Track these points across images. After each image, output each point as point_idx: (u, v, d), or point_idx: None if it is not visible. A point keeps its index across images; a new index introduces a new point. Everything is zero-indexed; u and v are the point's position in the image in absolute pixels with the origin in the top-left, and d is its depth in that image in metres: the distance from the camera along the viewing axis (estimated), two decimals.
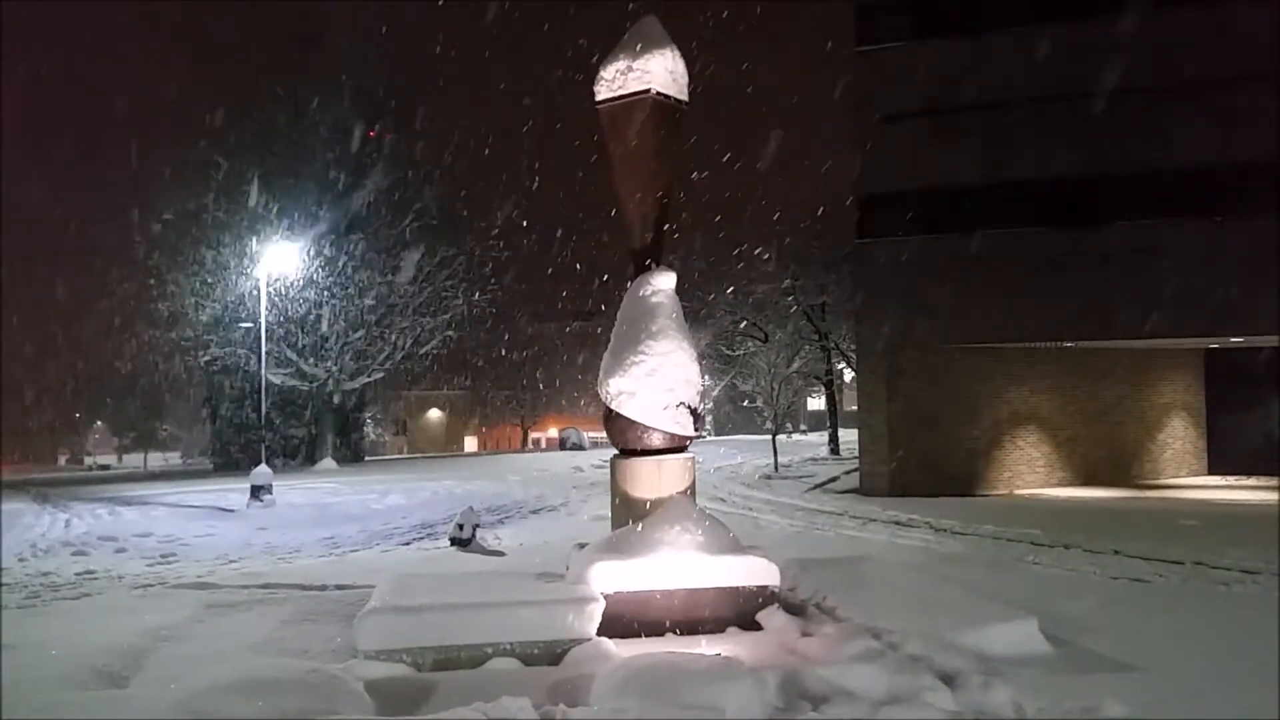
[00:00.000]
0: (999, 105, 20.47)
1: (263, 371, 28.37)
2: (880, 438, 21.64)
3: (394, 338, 39.05)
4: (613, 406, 8.70)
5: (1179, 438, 25.25)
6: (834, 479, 25.31)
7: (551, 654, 7.17)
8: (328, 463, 36.77)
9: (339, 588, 10.87)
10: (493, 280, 41.43)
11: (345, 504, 22.13)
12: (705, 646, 7.17)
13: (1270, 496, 19.35)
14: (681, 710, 5.49)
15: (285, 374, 36.79)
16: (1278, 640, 7.32)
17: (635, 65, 8.87)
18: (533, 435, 69.67)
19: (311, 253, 35.06)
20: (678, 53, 9.08)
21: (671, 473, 8.70)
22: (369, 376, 39.26)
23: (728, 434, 53.52)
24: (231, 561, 14.10)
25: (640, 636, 7.66)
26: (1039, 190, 20.43)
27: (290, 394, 37.99)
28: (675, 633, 7.85)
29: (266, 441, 29.13)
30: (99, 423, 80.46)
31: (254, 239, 33.54)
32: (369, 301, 37.61)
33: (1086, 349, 22.50)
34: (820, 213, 35.02)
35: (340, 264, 36.58)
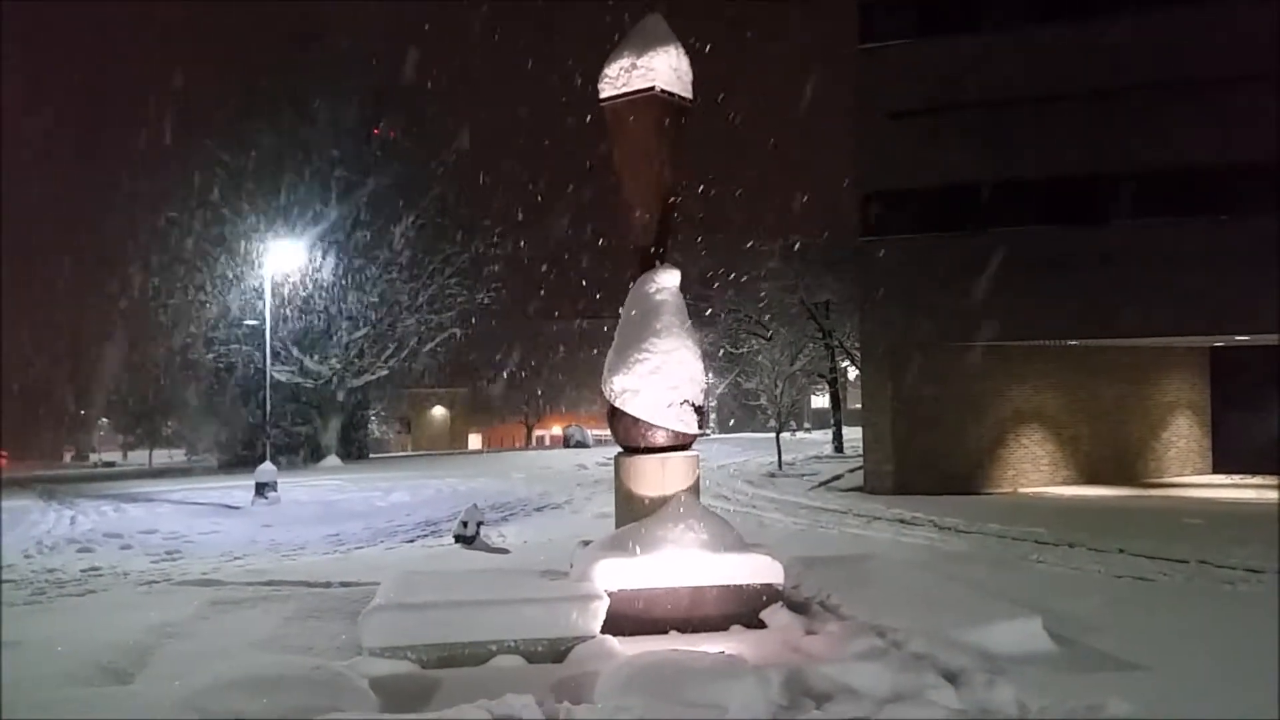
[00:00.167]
0: (1001, 104, 20.45)
1: (267, 369, 28.40)
2: (884, 436, 21.64)
3: (398, 335, 39.11)
4: (617, 404, 8.71)
5: (1183, 436, 25.21)
6: (838, 477, 25.29)
7: (556, 651, 7.19)
8: (332, 460, 36.81)
9: (343, 585, 10.89)
10: (497, 278, 41.46)
11: (350, 501, 22.16)
12: (709, 644, 7.18)
13: (1275, 495, 19.30)
14: (685, 708, 5.50)
15: (290, 371, 36.85)
16: (1279, 638, 7.32)
17: (640, 63, 8.87)
18: (537, 433, 69.66)
19: (316, 251, 35.10)
20: (682, 50, 9.08)
21: (675, 470, 8.70)
22: (373, 374, 39.28)
23: (731, 432, 53.50)
24: (236, 558, 14.14)
25: (644, 634, 7.67)
26: (1041, 189, 20.41)
27: (295, 391, 38.04)
28: (679, 631, 7.86)
29: (271, 439, 29.19)
30: (104, 419, 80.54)
31: (258, 237, 33.59)
32: (373, 299, 37.65)
33: (1090, 347, 22.48)
34: (823, 211, 35.01)
35: (345, 262, 36.63)
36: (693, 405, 8.75)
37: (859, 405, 26.79)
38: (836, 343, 36.12)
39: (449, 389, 67.48)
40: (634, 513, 8.61)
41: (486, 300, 41.38)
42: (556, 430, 64.87)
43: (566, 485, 24.56)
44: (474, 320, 42.00)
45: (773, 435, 30.83)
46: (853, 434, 34.00)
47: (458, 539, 14.33)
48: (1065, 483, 22.62)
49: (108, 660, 7.35)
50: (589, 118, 9.81)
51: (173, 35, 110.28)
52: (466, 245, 39.30)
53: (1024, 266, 20.08)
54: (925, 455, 21.10)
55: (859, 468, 24.03)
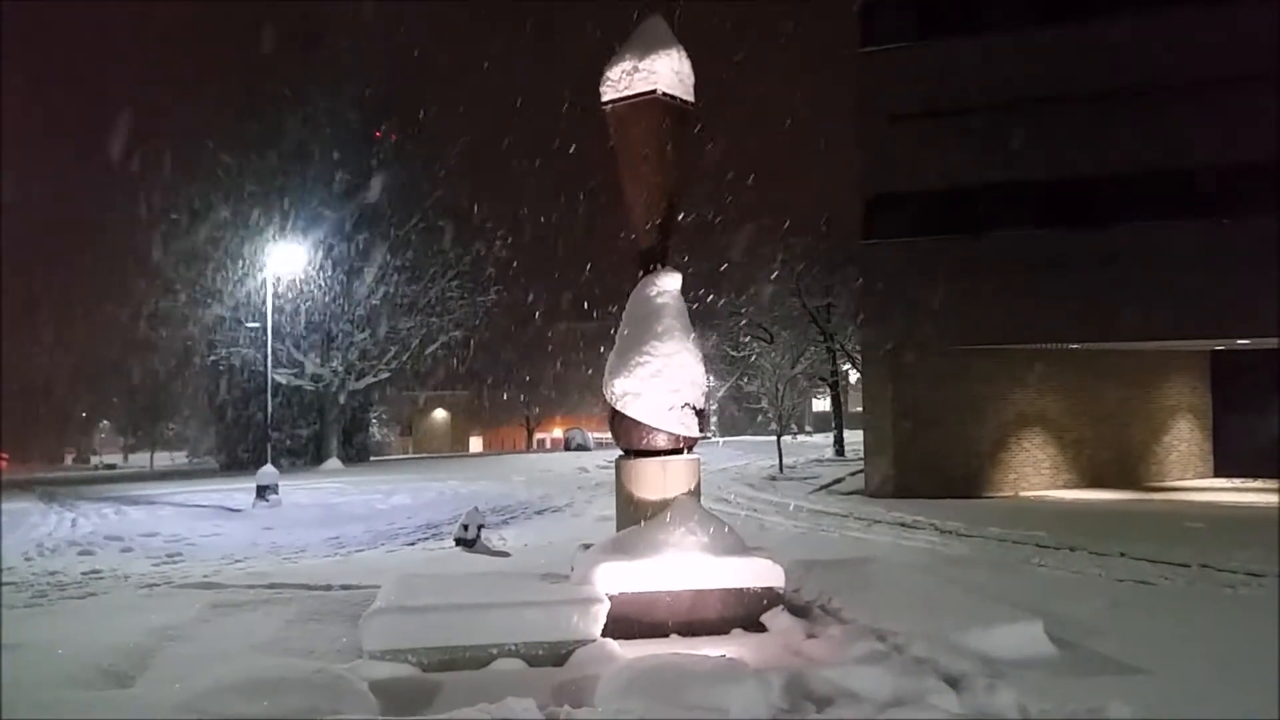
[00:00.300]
0: (1002, 106, 20.47)
1: (269, 371, 28.42)
2: (885, 439, 21.63)
3: (399, 338, 39.13)
4: (618, 407, 8.70)
5: (1185, 440, 25.20)
6: (839, 480, 25.29)
7: (556, 655, 7.18)
8: (333, 463, 36.84)
9: (344, 588, 10.88)
10: (498, 280, 41.50)
11: (351, 504, 22.17)
12: (710, 648, 7.17)
13: (1276, 499, 19.28)
14: (686, 711, 5.50)
15: (291, 374, 36.88)
16: (1278, 642, 7.30)
17: (641, 66, 8.87)
18: (538, 436, 69.69)
19: (318, 253, 35.12)
20: (684, 53, 9.08)
21: (676, 474, 8.70)
22: (375, 377, 39.33)
23: (733, 435, 53.52)
24: (237, 561, 14.14)
25: (645, 638, 7.66)
26: (1042, 191, 20.43)
27: (296, 394, 38.08)
28: (680, 634, 7.85)
29: (272, 441, 29.19)
30: (105, 422, 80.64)
31: (259, 239, 33.62)
32: (375, 302, 37.68)
33: (1092, 350, 22.48)
34: (825, 214, 35.07)
35: (346, 264, 36.66)
36: (694, 408, 8.74)
37: (860, 408, 26.79)
38: (838, 346, 36.15)
39: (450, 391, 67.48)
40: (635, 516, 8.61)
41: (488, 302, 41.42)
42: (557, 433, 64.92)
43: (567, 488, 24.57)
44: (476, 323, 42.04)
45: (774, 438, 30.84)
46: (854, 437, 34.01)
47: (458, 542, 14.31)
48: (1067, 486, 22.61)
49: (108, 663, 7.34)
50: (589, 119, 9.80)
51: (174, 36, 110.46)
52: (468, 247, 39.33)
53: (1025, 269, 20.13)
54: (926, 458, 21.09)
55: (860, 471, 24.03)
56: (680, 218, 9.64)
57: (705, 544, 8.13)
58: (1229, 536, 13.82)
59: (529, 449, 63.57)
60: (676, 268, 9.17)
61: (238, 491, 23.94)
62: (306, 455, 38.79)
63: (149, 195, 35.95)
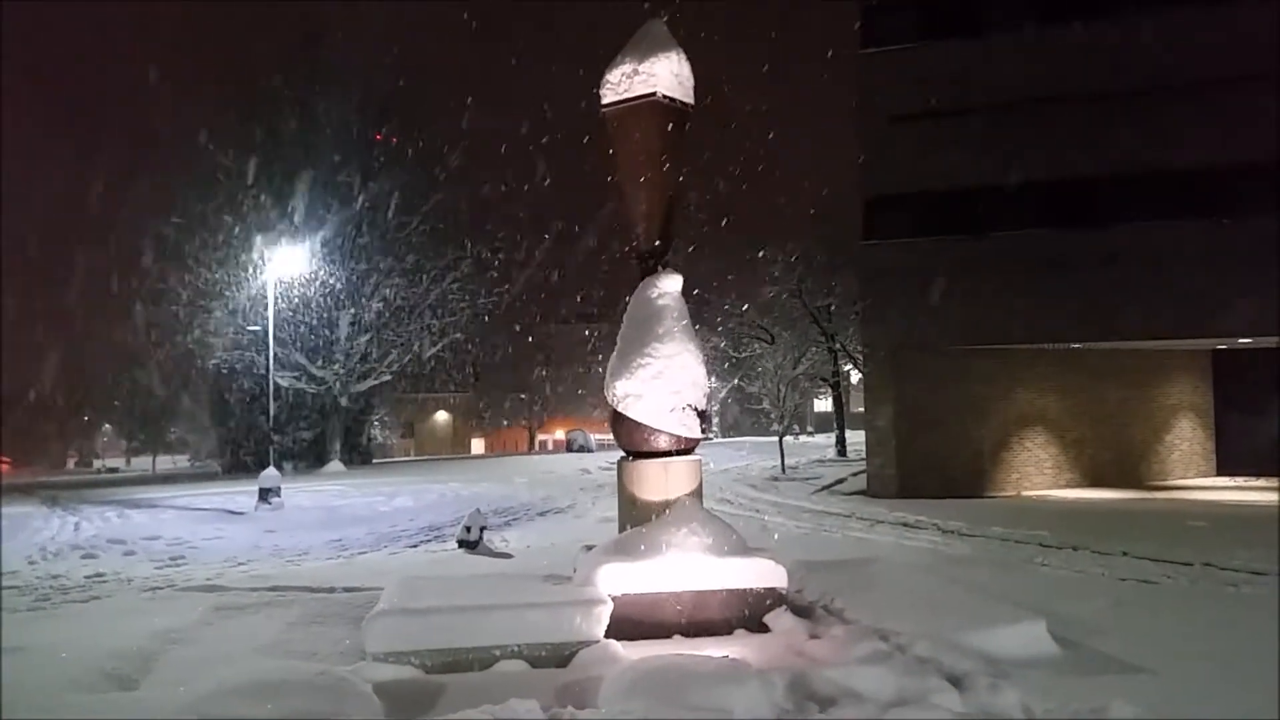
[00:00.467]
0: (1003, 106, 20.49)
1: (270, 374, 28.45)
2: (887, 439, 21.63)
3: (401, 340, 39.14)
4: (619, 409, 8.71)
5: (1187, 439, 25.19)
6: (841, 481, 25.29)
7: (559, 656, 7.18)
8: (335, 465, 36.86)
9: (347, 590, 10.89)
10: (499, 283, 41.50)
11: (353, 506, 22.18)
12: (713, 649, 7.17)
13: (1278, 497, 19.27)
14: (689, 712, 5.50)
15: (293, 377, 36.89)
16: (1278, 642, 7.31)
17: (641, 68, 8.88)
18: (540, 437, 69.71)
19: (319, 256, 35.14)
20: (683, 56, 9.09)
21: (678, 475, 8.70)
22: (376, 379, 39.34)
23: (734, 436, 53.52)
24: (240, 564, 14.15)
25: (648, 639, 7.66)
26: (1043, 191, 20.42)
27: (298, 397, 38.08)
28: (683, 635, 7.85)
29: (275, 444, 29.20)
30: (107, 425, 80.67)
31: (261, 242, 33.63)
32: (376, 304, 37.69)
33: (1093, 350, 22.48)
34: (826, 214, 35.04)
35: (348, 267, 36.67)
36: (695, 409, 8.75)
37: (862, 409, 26.79)
38: (839, 346, 36.13)
39: (452, 394, 67.52)
40: (637, 517, 8.61)
41: (489, 305, 41.43)
42: (559, 435, 64.90)
43: (569, 490, 24.57)
44: (477, 325, 42.04)
45: (776, 439, 30.84)
46: (855, 437, 34.01)
47: (461, 544, 14.32)
48: (1069, 486, 22.61)
49: (112, 666, 7.35)
50: (589, 120, 9.81)
51: (174, 37, 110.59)
52: (469, 250, 39.35)
53: (1025, 269, 20.14)
54: (928, 458, 21.09)
55: (862, 471, 24.03)
56: (679, 219, 9.65)
57: (708, 545, 8.13)
58: (1231, 535, 13.83)
59: (531, 451, 63.59)
60: (676, 269, 9.18)
61: (240, 494, 23.97)
62: (308, 458, 38.79)
63: (150, 198, 36.01)
